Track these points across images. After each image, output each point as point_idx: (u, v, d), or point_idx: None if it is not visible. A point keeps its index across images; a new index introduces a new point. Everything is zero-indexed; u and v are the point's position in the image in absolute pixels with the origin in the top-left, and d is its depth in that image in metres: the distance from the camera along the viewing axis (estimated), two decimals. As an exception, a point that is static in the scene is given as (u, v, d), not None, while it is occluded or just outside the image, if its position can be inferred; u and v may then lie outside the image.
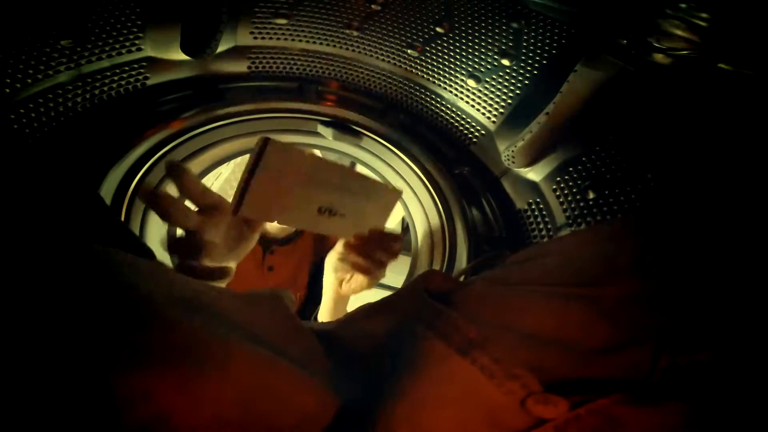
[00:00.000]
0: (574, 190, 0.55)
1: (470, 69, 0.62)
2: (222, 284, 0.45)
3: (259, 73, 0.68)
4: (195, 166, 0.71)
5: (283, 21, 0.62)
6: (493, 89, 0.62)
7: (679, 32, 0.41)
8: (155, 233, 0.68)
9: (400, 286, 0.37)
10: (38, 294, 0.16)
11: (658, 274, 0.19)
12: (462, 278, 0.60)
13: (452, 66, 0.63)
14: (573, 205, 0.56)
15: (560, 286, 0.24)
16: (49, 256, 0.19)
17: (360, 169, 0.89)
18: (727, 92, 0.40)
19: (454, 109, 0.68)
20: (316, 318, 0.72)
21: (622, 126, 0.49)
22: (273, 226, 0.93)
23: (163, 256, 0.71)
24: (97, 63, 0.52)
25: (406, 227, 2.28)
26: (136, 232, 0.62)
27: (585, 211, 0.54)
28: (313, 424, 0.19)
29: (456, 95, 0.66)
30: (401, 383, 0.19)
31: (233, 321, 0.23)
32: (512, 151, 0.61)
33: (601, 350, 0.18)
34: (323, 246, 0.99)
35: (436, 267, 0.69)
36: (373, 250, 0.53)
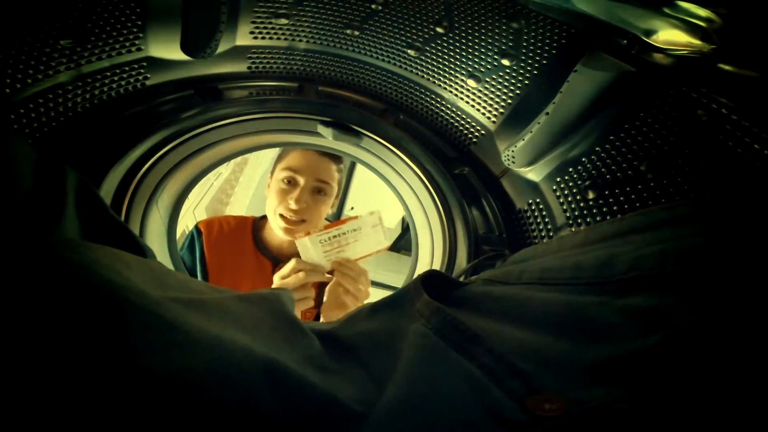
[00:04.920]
0: (574, 190, 0.55)
1: (470, 69, 0.62)
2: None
3: (259, 73, 0.68)
4: (195, 166, 0.71)
5: (283, 21, 0.62)
6: (493, 89, 0.62)
7: (678, 32, 0.41)
8: (155, 233, 0.68)
9: (400, 286, 0.37)
10: (32, 295, 0.16)
11: (657, 274, 0.19)
12: (462, 278, 0.60)
13: (452, 66, 0.63)
14: (573, 205, 0.56)
15: (560, 286, 0.24)
16: (44, 255, 0.19)
17: (360, 169, 0.89)
18: (727, 93, 0.40)
19: (454, 109, 0.68)
20: None
21: (621, 126, 0.49)
22: (283, 244, 0.92)
23: (164, 256, 0.71)
24: (97, 63, 0.52)
25: (406, 227, 2.28)
26: (136, 232, 0.62)
27: (585, 211, 0.54)
28: (313, 425, 0.19)
29: (456, 95, 0.66)
30: (401, 382, 0.19)
31: (233, 321, 0.23)
32: (512, 151, 0.61)
33: (600, 349, 0.18)
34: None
35: (436, 267, 0.69)
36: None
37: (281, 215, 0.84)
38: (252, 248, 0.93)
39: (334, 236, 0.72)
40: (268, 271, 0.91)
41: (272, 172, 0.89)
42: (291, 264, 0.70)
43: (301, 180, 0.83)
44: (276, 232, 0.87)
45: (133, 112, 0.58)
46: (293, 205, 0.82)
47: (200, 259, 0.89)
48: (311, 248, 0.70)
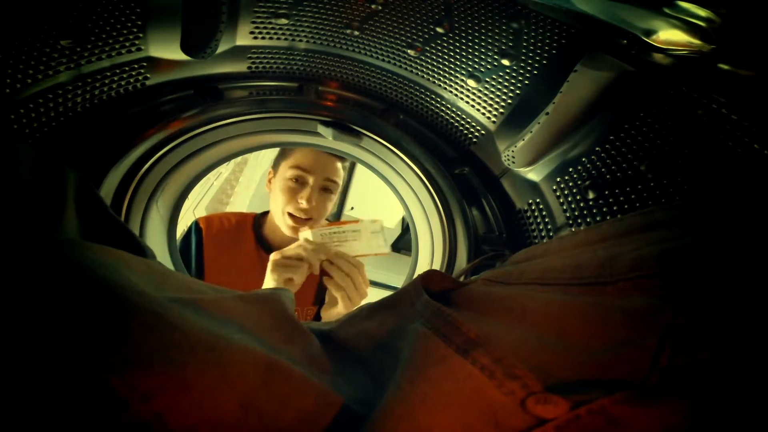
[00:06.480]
0: (574, 190, 0.55)
1: (470, 69, 0.62)
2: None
3: (259, 73, 0.68)
4: (195, 166, 0.71)
5: (283, 21, 0.62)
6: (493, 89, 0.62)
7: (678, 32, 0.41)
8: (155, 233, 0.68)
9: (400, 286, 0.37)
10: (34, 295, 0.17)
11: (657, 274, 0.19)
12: (462, 278, 0.60)
13: (452, 66, 0.63)
14: (573, 205, 0.56)
15: (560, 286, 0.24)
16: (47, 255, 0.19)
17: (360, 169, 0.89)
18: (727, 93, 0.40)
19: (454, 109, 0.68)
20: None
21: (622, 126, 0.49)
22: (285, 240, 0.92)
23: (164, 256, 0.71)
24: (97, 63, 0.52)
25: (406, 227, 2.28)
26: (136, 232, 0.62)
27: (585, 211, 0.54)
28: (313, 424, 0.19)
29: (456, 95, 0.66)
30: (401, 383, 0.19)
31: (233, 321, 0.23)
32: (512, 151, 0.61)
33: (600, 350, 0.18)
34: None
35: (436, 267, 0.69)
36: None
37: (290, 214, 0.84)
38: (253, 244, 0.93)
39: (334, 232, 0.75)
40: None
41: (274, 169, 0.89)
42: (298, 242, 0.72)
43: (311, 179, 0.84)
44: (283, 230, 0.87)
45: (134, 112, 0.58)
46: (304, 204, 0.83)
47: (196, 254, 0.89)
48: (312, 240, 0.74)
